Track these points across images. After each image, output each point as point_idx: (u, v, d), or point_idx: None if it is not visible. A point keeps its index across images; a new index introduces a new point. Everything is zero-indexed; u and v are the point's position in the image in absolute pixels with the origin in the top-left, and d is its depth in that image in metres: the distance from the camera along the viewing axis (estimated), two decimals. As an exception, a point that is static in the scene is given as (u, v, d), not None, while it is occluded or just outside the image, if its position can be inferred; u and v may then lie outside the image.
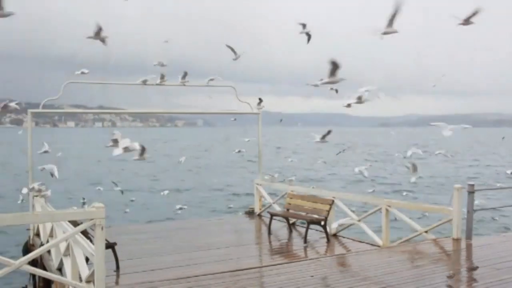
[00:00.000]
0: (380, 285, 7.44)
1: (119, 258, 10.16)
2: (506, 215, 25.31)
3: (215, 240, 13.15)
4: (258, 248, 12.70)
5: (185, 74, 15.51)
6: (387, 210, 11.86)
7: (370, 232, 12.45)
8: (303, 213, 13.65)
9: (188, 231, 14.61)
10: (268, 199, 16.22)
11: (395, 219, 12.35)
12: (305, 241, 12.67)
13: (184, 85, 15.95)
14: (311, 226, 12.65)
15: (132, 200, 29.20)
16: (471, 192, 10.49)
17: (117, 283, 9.12)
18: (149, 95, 16.27)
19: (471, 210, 10.49)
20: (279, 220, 14.58)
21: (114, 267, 9.94)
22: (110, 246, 10.11)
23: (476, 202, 10.61)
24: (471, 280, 7.87)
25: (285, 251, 12.05)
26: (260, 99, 16.62)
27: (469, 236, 10.48)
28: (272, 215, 14.35)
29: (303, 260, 9.90)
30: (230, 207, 27.08)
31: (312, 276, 7.98)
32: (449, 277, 7.10)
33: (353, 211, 13.40)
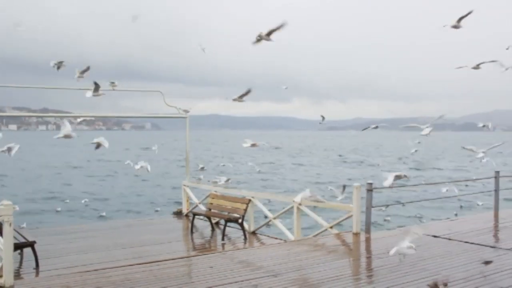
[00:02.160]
0: (271, 273, 8.21)
1: (43, 257, 10.66)
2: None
3: (140, 238, 13.72)
4: (179, 245, 13.30)
5: (87, 69, 15.33)
6: (298, 207, 12.75)
7: (283, 229, 13.33)
8: (225, 213, 14.39)
9: (115, 231, 15.06)
10: (194, 200, 16.86)
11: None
12: (223, 238, 13.41)
13: (113, 89, 16.28)
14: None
15: (66, 202, 29.57)
16: (369, 190, 11.44)
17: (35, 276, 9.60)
18: (95, 98, 16.51)
19: (369, 207, 11.43)
20: (206, 220, 15.24)
21: (34, 265, 10.41)
22: (29, 244, 10.59)
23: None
24: (368, 268, 8.80)
25: (203, 248, 12.72)
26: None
27: (367, 230, 11.41)
28: (195, 215, 15.08)
29: (209, 253, 10.57)
30: (157, 210, 27.68)
31: (211, 267, 8.69)
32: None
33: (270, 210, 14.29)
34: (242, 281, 7.73)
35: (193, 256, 9.67)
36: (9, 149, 11.37)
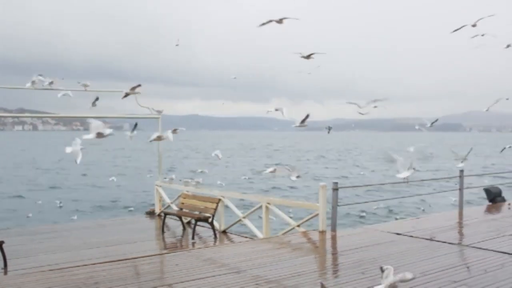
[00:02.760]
0: (234, 270, 8.39)
1: (12, 256, 10.74)
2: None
3: (112, 238, 13.82)
4: (150, 244, 13.38)
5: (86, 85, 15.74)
6: (266, 207, 12.97)
7: (253, 227, 13.53)
8: (196, 212, 14.55)
9: (87, 231, 15.12)
10: (167, 200, 16.99)
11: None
12: (193, 237, 13.57)
13: (86, 90, 16.34)
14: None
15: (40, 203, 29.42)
16: (335, 189, 11.68)
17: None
18: (73, 98, 16.49)
19: (335, 205, 11.67)
20: (178, 220, 15.36)
21: (2, 265, 10.47)
22: (-4, 244, 10.66)
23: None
24: (330, 264, 9.04)
25: (173, 247, 12.85)
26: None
27: (333, 229, 11.65)
28: (166, 214, 15.25)
29: (175, 252, 10.72)
30: (130, 210, 27.74)
31: (177, 265, 8.85)
32: None
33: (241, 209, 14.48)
34: (205, 278, 7.90)
35: (159, 254, 9.82)
36: None
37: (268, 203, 13.00)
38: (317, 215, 11.73)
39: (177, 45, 17.16)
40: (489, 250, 9.78)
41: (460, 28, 11.24)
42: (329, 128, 16.88)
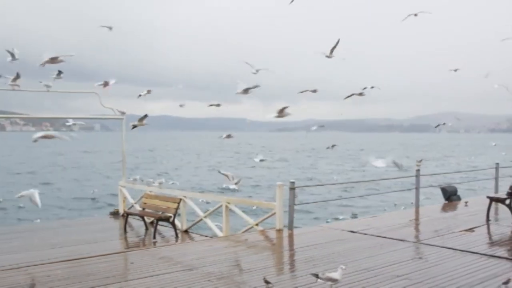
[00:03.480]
0: (187, 267, 8.63)
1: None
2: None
3: (75, 238, 13.90)
4: (112, 244, 13.46)
5: (17, 77, 15.03)
6: (226, 206, 13.23)
7: (213, 226, 13.79)
8: (159, 212, 14.71)
9: (50, 231, 15.17)
10: (130, 200, 17.11)
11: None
12: (154, 237, 13.74)
13: (14, 89, 15.91)
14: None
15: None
16: (292, 189, 11.99)
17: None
18: (41, 98, 16.42)
19: (292, 204, 11.98)
20: (141, 220, 15.51)
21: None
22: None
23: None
24: (281, 260, 9.35)
25: (134, 246, 13.00)
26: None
27: (290, 227, 11.96)
28: (128, 214, 15.37)
29: (132, 251, 10.90)
30: (94, 211, 27.77)
31: (132, 263, 9.06)
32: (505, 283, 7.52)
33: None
34: (157, 275, 8.12)
35: (116, 253, 9.97)
36: None
37: (228, 203, 13.25)
38: (274, 214, 12.04)
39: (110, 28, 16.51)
40: (435, 246, 10.22)
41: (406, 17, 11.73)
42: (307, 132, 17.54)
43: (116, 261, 9.28)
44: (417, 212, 14.95)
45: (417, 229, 12.31)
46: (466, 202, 16.56)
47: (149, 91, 15.16)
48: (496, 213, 14.04)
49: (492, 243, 10.60)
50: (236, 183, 11.65)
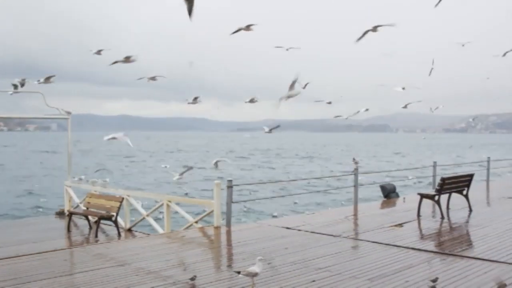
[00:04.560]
0: (119, 263, 8.88)
1: None
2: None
3: (17, 238, 13.97)
4: (54, 244, 13.51)
5: None
6: (167, 204, 13.51)
7: (155, 224, 14.05)
8: (103, 211, 14.86)
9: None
10: (76, 200, 17.19)
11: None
12: (96, 235, 13.91)
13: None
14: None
15: None
16: (229, 187, 12.33)
17: None
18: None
19: (229, 202, 12.33)
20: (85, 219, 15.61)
21: None
22: None
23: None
24: (219, 255, 9.67)
25: (76, 245, 13.12)
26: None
27: (228, 224, 12.31)
28: (71, 214, 15.50)
29: (67, 249, 11.04)
30: (39, 211, 27.61)
31: (65, 260, 9.27)
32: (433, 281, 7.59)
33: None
34: (88, 271, 8.35)
35: (52, 251, 10.09)
36: None
37: (169, 201, 13.54)
38: (212, 211, 12.37)
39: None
40: (363, 240, 10.74)
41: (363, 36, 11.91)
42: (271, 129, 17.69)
43: (50, 259, 9.42)
44: (355, 209, 15.50)
45: (350, 225, 12.79)
46: (404, 199, 17.28)
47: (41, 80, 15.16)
48: (430, 209, 14.67)
49: (416, 237, 11.15)
50: (180, 175, 11.91)
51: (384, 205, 16.57)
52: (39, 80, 15.21)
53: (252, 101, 11.84)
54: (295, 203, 31.34)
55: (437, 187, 13.76)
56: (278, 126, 14.07)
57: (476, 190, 19.76)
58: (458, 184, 14.62)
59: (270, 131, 13.13)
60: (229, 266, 9.04)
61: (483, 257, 9.15)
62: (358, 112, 15.22)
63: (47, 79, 14.94)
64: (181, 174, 12.41)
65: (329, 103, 13.87)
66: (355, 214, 14.60)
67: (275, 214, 24.65)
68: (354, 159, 16.95)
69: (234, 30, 9.87)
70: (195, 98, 11.60)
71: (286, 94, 9.60)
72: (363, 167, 52.44)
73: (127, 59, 11.56)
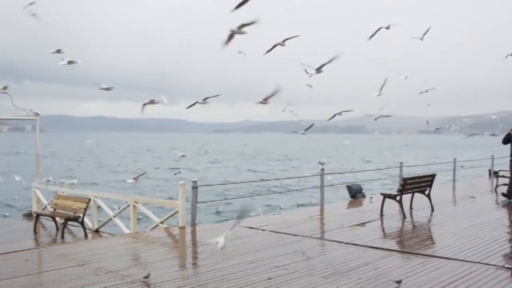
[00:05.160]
0: (79, 263, 8.97)
1: None
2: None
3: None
4: (20, 245, 13.54)
5: None
6: (134, 205, 13.62)
7: (121, 225, 14.14)
8: (70, 212, 14.89)
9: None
10: (44, 201, 17.18)
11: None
12: (62, 237, 13.96)
13: None
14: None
15: None
16: (194, 188, 12.48)
17: None
18: None
19: (194, 203, 12.48)
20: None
21: None
22: None
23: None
24: (181, 254, 9.82)
25: (42, 246, 13.15)
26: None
27: (193, 224, 12.45)
28: (38, 215, 15.49)
29: (32, 249, 11.05)
30: (5, 216, 27.39)
31: (26, 260, 9.32)
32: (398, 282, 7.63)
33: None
34: (48, 271, 8.44)
35: (13, 252, 10.12)
36: None
37: (136, 202, 13.65)
38: (177, 212, 12.51)
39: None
40: (323, 239, 10.99)
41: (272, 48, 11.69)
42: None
43: (12, 260, 9.45)
44: (321, 209, 15.74)
45: (313, 225, 12.99)
46: (371, 198, 17.59)
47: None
48: (395, 209, 14.96)
49: (375, 236, 11.39)
50: (134, 179, 12.07)
51: (350, 205, 16.86)
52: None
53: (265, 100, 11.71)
54: (268, 205, 31.68)
55: (399, 187, 14.08)
56: (312, 125, 14.40)
57: (442, 190, 20.28)
58: (421, 184, 14.96)
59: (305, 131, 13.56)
60: (183, 266, 9.22)
61: (436, 255, 9.45)
62: (335, 116, 15.23)
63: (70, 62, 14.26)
64: (136, 178, 12.62)
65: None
66: (321, 214, 14.84)
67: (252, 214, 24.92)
68: (320, 161, 17.24)
69: (269, 48, 9.57)
70: (152, 101, 11.59)
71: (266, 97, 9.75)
72: (339, 169, 53.10)
73: (152, 102, 11.55)
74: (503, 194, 17.29)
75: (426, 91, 15.14)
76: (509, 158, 16.97)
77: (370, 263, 8.88)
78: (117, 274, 8.17)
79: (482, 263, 8.77)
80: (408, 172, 20.71)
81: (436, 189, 19.91)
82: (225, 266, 8.61)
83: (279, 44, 9.60)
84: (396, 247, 10.21)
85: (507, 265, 8.59)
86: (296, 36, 9.41)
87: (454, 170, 22.94)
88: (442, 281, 7.69)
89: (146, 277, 7.71)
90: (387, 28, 12.10)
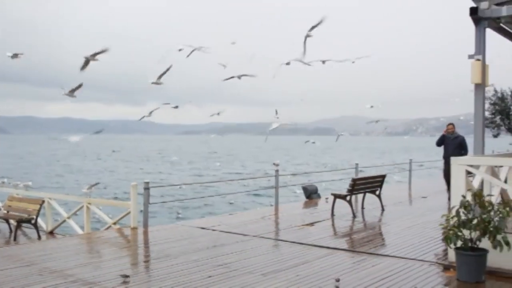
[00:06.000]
0: (26, 263, 9.05)
1: None
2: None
3: None
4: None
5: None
6: (87, 207, 13.72)
7: (75, 226, 14.23)
8: (24, 214, 14.87)
9: None
10: (-3, 204, 17.10)
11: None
12: (15, 239, 13.94)
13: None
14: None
15: None
16: (146, 189, 12.64)
17: None
18: None
19: (146, 203, 12.64)
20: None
21: None
22: None
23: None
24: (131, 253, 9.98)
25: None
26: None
27: (145, 225, 12.61)
28: (-9, 218, 15.45)
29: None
30: None
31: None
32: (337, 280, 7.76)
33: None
34: (-8, 272, 8.53)
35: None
36: None
37: (89, 203, 13.75)
38: (129, 213, 12.65)
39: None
40: (271, 239, 11.27)
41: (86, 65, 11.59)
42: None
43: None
44: (276, 209, 16.03)
45: (264, 224, 13.23)
46: (327, 199, 17.95)
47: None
48: (346, 209, 15.33)
49: (322, 235, 11.69)
50: (88, 189, 12.31)
51: (305, 205, 17.21)
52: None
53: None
54: (231, 203, 31.96)
55: (349, 188, 14.47)
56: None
57: (396, 190, 20.83)
58: (372, 184, 15.39)
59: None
60: (131, 265, 9.38)
61: (376, 252, 9.84)
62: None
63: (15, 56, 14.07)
64: (89, 188, 12.90)
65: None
66: (276, 214, 15.12)
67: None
68: (274, 162, 17.56)
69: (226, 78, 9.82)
70: (72, 90, 11.53)
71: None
72: (297, 170, 53.65)
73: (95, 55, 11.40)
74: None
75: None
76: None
77: (310, 261, 9.18)
78: (60, 274, 8.30)
79: (417, 260, 9.19)
80: (368, 174, 21.15)
81: (391, 189, 20.52)
82: (169, 265, 8.82)
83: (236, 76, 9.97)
84: (339, 246, 10.54)
85: (440, 262, 9.01)
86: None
87: (410, 170, 23.53)
88: (376, 277, 8.04)
89: (125, 276, 7.85)
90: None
